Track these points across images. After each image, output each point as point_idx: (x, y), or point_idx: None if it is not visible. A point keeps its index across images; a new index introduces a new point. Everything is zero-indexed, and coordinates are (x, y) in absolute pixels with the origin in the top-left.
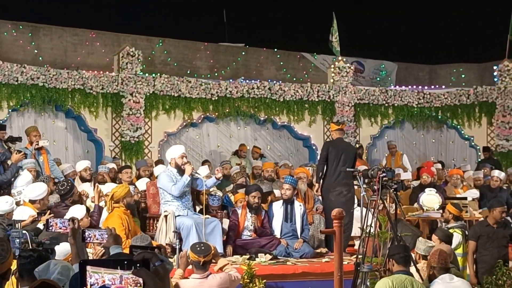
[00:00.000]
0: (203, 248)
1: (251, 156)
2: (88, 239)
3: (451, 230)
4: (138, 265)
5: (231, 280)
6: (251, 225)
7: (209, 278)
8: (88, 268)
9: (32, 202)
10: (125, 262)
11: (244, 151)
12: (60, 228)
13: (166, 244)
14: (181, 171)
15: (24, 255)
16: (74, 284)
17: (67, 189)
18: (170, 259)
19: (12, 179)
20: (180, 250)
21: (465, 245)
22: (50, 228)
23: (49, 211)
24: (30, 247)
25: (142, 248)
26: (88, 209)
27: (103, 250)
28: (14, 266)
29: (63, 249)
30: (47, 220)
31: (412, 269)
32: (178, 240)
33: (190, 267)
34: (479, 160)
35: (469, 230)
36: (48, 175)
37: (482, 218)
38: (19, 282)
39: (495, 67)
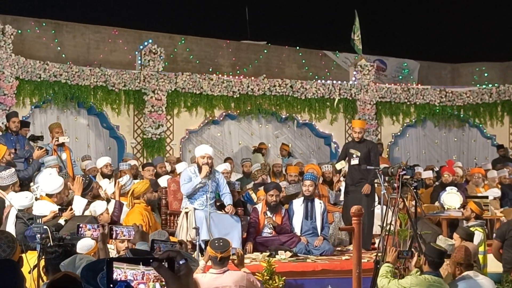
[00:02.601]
0: (221, 244)
1: (271, 153)
2: (116, 235)
3: (472, 229)
4: (163, 262)
5: (249, 281)
6: (268, 225)
7: (225, 275)
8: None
9: (49, 196)
10: (151, 261)
11: (265, 149)
12: (89, 230)
13: (187, 240)
14: (200, 171)
15: (49, 251)
16: (85, 274)
17: (85, 183)
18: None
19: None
20: (200, 246)
21: (486, 243)
22: (80, 231)
23: (70, 207)
24: (51, 243)
25: (164, 242)
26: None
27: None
28: (35, 261)
29: (86, 243)
30: (78, 225)
31: None
32: (198, 237)
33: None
34: (494, 158)
35: (496, 229)
36: (66, 171)
37: (503, 217)
38: (46, 276)
39: None
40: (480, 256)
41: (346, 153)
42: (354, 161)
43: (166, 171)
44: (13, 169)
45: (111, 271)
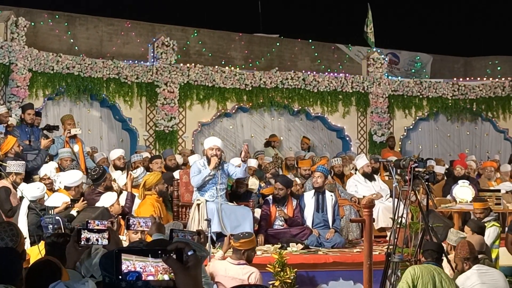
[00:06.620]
0: (240, 236)
1: (284, 146)
2: (133, 226)
3: (488, 224)
4: (171, 254)
5: (260, 280)
6: (279, 217)
7: (236, 267)
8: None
9: (67, 189)
10: (159, 252)
11: (276, 142)
12: (98, 225)
13: None
14: (209, 163)
15: (60, 240)
16: (103, 262)
17: (99, 173)
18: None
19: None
20: (212, 238)
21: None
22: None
23: (82, 198)
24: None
25: (182, 231)
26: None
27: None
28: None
29: None
30: (87, 221)
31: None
32: (209, 228)
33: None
34: None
35: (510, 223)
36: (78, 162)
37: None
38: None
39: None
40: (495, 250)
41: None
42: None
43: (176, 163)
44: (23, 162)
45: (119, 263)
